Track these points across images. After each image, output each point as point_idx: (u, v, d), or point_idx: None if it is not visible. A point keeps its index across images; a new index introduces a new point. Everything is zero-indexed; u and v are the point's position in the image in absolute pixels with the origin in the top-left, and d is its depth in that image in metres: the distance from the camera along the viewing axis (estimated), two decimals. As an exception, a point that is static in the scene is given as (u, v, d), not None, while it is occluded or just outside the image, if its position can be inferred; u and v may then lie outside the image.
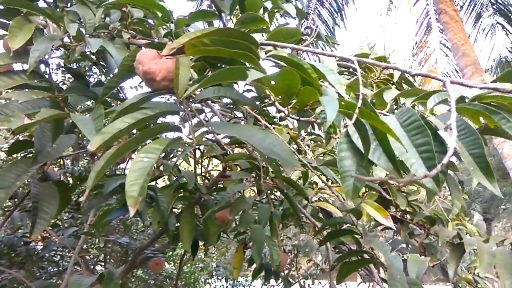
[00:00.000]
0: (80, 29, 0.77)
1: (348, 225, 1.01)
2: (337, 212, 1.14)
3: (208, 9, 1.39)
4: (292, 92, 0.46)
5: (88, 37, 0.81)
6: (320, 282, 3.27)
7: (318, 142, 1.60)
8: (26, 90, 0.72)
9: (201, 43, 0.51)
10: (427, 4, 9.24)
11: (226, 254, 3.79)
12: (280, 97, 0.51)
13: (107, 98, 0.92)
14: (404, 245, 1.80)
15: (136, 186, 0.50)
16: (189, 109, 0.64)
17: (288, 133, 1.13)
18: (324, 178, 1.12)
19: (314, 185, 1.28)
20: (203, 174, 1.98)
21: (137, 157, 0.52)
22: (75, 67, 0.94)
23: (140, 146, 0.70)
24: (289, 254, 2.75)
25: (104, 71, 1.23)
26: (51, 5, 1.15)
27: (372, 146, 0.62)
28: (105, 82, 0.80)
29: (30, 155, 1.00)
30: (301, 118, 0.51)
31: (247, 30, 0.87)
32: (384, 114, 0.71)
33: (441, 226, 1.53)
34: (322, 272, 3.03)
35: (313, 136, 1.91)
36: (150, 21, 1.08)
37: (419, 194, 1.76)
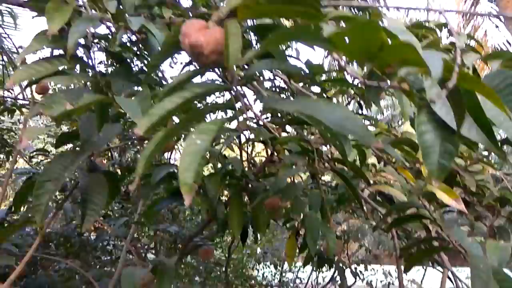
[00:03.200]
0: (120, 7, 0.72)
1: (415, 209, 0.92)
2: (400, 196, 1.04)
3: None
4: (371, 52, 0.38)
5: (129, 16, 0.75)
6: (373, 269, 3.16)
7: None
8: (67, 75, 0.68)
9: (255, 3, 0.44)
10: (475, -29, 8.64)
11: (273, 240, 3.75)
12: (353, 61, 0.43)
13: (151, 84, 0.87)
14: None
15: (191, 172, 0.43)
16: (240, 86, 0.56)
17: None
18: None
19: (372, 167, 1.18)
20: (249, 160, 1.93)
21: (189, 139, 0.46)
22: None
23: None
24: (340, 240, 2.66)
25: (146, 58, 1.19)
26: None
27: (460, 116, 0.53)
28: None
29: (78, 148, 0.98)
30: (381, 84, 0.42)
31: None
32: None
33: (514, 207, 1.39)
34: (374, 258, 2.92)
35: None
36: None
37: (486, 175, 1.61)
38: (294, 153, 1.02)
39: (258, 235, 1.80)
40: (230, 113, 1.33)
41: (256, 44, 0.74)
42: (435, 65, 0.36)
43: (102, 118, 0.81)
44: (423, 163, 0.52)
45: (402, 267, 0.88)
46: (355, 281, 3.13)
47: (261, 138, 1.15)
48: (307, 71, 0.78)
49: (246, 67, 0.74)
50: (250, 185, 1.50)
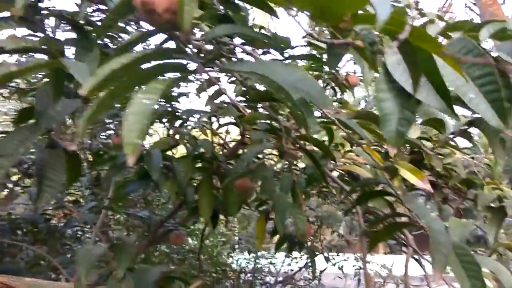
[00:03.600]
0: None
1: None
2: (367, 175, 1.04)
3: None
4: (325, 3, 0.36)
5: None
6: (344, 254, 3.21)
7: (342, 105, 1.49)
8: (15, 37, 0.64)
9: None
10: (451, -36, 8.75)
11: (248, 227, 3.75)
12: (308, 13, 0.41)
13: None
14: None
15: (136, 132, 0.41)
16: (195, 49, 0.54)
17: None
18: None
19: (340, 147, 1.18)
20: (221, 144, 1.90)
21: (135, 99, 0.43)
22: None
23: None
24: (312, 225, 2.68)
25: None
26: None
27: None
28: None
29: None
30: (335, 41, 0.41)
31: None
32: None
33: (479, 189, 1.42)
34: (347, 244, 2.96)
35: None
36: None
37: (453, 158, 1.64)
38: (261, 130, 1.00)
39: (229, 220, 1.79)
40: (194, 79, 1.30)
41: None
42: (383, 9, 0.34)
43: (58, 89, 0.77)
44: (381, 130, 0.52)
45: (366, 245, 0.88)
46: (327, 266, 3.17)
47: (230, 115, 1.13)
48: (272, 39, 0.76)
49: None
50: (221, 169, 1.48)
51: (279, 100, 0.93)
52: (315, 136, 0.94)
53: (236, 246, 3.59)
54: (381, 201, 0.94)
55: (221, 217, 1.75)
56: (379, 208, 0.96)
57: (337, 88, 2.04)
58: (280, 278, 3.12)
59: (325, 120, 0.91)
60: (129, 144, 0.40)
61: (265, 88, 0.90)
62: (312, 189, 2.09)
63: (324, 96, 0.45)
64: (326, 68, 2.14)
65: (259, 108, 1.34)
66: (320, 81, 2.10)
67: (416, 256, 1.17)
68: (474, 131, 1.47)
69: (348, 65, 2.37)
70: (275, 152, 1.59)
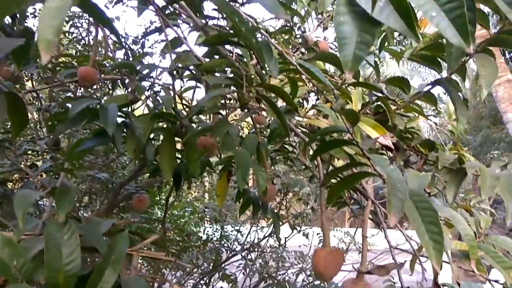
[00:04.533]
0: None
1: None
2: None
3: None
4: None
5: None
6: (310, 221, 3.25)
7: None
8: None
9: None
10: None
11: (215, 197, 3.73)
12: None
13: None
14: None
15: (52, 28, 0.35)
16: None
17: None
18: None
19: (304, 102, 1.15)
20: (186, 105, 1.84)
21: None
22: None
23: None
24: (278, 193, 2.68)
25: None
26: None
27: (380, 4, 0.48)
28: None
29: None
30: None
31: None
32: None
33: (440, 151, 1.43)
34: (312, 211, 2.99)
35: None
36: None
37: (417, 122, 1.65)
38: (220, 76, 0.95)
39: (193, 182, 1.74)
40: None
41: None
42: None
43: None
44: (339, 55, 0.48)
45: (326, 196, 0.86)
46: (292, 233, 3.21)
47: (188, 63, 1.06)
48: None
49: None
50: (183, 129, 1.43)
51: (238, 41, 0.88)
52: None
53: (206, 218, 3.57)
54: (342, 153, 0.91)
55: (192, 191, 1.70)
56: (339, 157, 0.94)
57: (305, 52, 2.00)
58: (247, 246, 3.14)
59: (287, 67, 0.87)
60: (44, 41, 0.35)
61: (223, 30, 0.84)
62: (278, 154, 2.08)
63: (278, 6, 0.40)
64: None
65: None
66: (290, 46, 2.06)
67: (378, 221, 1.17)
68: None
69: (319, 30, 2.33)
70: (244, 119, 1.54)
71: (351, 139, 0.78)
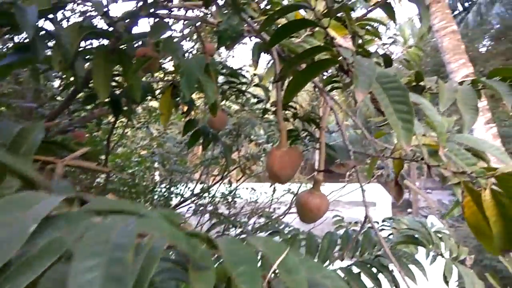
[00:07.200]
0: None
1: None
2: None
3: None
4: None
5: None
6: (262, 161, 3.19)
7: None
8: None
9: None
10: None
11: (165, 145, 3.56)
12: None
13: None
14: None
15: None
16: None
17: None
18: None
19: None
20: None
21: None
22: None
23: None
24: (230, 134, 2.57)
25: None
26: None
27: None
28: None
29: None
30: None
31: None
32: None
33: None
34: (263, 152, 2.93)
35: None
36: None
37: (372, 44, 1.58)
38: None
39: (134, 109, 1.58)
40: None
41: None
42: None
43: None
44: None
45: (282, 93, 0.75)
46: (243, 176, 3.14)
47: None
48: None
49: None
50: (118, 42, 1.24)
51: None
52: None
53: (154, 164, 3.39)
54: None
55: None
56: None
57: None
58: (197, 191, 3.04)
59: None
60: None
61: None
62: (230, 87, 1.94)
63: None
64: None
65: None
66: None
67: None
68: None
69: None
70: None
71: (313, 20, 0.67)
